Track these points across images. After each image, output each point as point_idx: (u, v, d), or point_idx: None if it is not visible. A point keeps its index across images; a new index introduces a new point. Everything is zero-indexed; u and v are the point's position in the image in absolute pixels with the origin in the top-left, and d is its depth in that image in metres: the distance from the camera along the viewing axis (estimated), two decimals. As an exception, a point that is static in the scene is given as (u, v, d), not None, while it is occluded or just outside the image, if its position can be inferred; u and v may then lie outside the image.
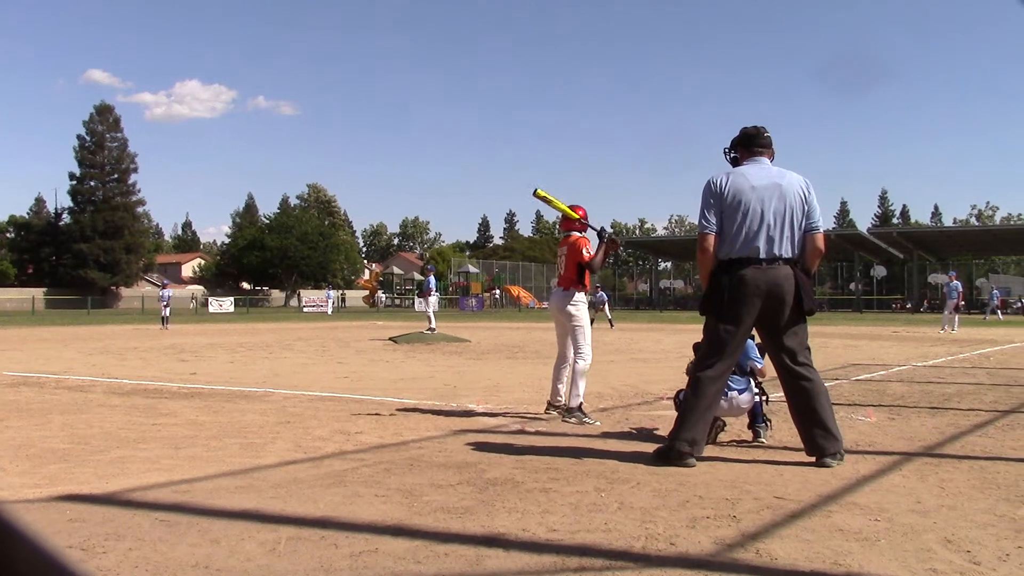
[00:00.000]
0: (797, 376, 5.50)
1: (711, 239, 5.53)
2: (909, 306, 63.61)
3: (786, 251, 5.47)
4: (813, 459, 5.42)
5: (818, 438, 5.41)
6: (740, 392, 6.11)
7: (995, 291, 46.28)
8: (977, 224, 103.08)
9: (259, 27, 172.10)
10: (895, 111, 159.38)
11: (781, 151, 5.90)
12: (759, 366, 6.31)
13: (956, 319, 27.73)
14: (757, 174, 5.59)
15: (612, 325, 30.81)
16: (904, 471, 5.26)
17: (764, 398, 6.39)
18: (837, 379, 11.07)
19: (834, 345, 18.98)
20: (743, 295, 5.42)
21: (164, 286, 33.75)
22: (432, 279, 25.19)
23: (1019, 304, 57.74)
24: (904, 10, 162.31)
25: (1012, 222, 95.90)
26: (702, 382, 5.48)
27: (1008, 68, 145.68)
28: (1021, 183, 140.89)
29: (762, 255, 5.44)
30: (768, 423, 6.47)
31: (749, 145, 5.77)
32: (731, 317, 5.46)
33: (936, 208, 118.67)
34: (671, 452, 5.37)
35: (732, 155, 5.89)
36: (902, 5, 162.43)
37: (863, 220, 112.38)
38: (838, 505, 4.35)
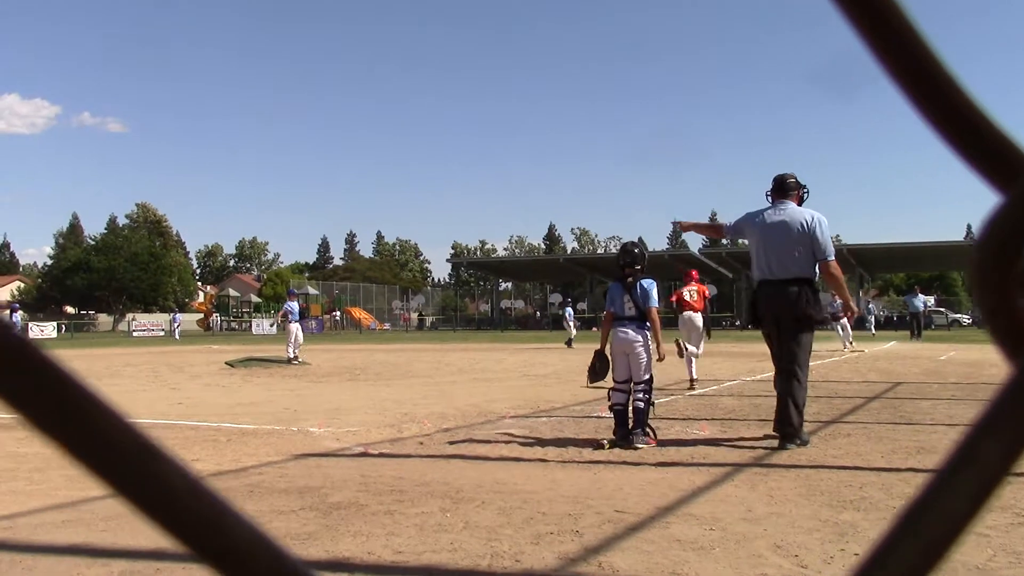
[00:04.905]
0: (781, 373, 6.81)
1: (729, 224, 7.45)
2: (738, 323, 66.57)
3: (791, 272, 6.69)
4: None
5: (779, 425, 6.74)
6: (633, 330, 7.04)
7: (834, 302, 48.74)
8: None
9: (85, 40, 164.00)
10: (717, 133, 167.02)
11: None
12: (652, 306, 7.11)
13: (849, 333, 26.37)
14: (771, 214, 6.93)
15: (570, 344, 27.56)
16: (736, 481, 5.49)
17: (652, 403, 6.99)
18: (672, 395, 11.46)
19: (669, 361, 19.54)
20: (759, 308, 6.94)
21: (14, 309, 31.41)
22: (294, 304, 21.99)
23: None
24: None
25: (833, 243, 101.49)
26: (776, 382, 6.95)
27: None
28: (835, 206, 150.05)
29: (771, 276, 6.76)
30: (652, 432, 6.76)
31: (777, 192, 7.07)
32: (761, 327, 7.07)
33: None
34: (784, 442, 6.71)
35: (769, 199, 7.14)
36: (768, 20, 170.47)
37: (695, 241, 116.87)
38: (675, 516, 4.50)
